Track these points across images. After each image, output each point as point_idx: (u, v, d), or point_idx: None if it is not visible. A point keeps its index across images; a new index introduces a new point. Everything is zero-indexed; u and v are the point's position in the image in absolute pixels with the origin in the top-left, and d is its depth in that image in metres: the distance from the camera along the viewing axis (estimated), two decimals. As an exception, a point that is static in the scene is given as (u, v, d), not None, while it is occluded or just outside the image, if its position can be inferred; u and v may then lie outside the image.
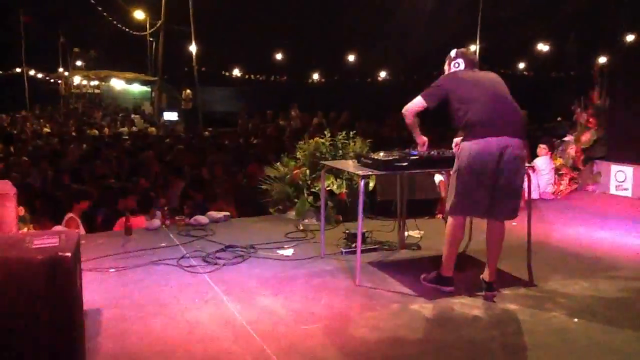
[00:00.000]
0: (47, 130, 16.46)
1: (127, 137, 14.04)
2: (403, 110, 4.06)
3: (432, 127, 6.79)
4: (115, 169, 8.87)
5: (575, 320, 3.56)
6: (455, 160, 3.91)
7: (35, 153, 10.31)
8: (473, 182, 3.76)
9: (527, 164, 4.18)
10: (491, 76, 4.02)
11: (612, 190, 7.74)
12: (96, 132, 16.35)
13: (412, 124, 4.13)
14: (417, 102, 3.98)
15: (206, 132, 16.45)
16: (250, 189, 7.12)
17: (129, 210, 5.85)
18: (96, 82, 28.44)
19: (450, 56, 4.12)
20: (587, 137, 8.14)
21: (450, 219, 3.96)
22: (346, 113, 18.66)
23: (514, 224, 5.38)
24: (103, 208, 6.49)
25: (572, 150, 8.04)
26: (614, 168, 7.75)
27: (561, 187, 7.58)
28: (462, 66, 4.05)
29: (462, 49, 4.15)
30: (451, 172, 3.95)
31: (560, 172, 7.77)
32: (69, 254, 2.72)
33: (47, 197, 6.25)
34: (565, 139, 8.37)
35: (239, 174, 8.22)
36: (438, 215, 6.27)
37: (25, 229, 4.73)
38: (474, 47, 14.01)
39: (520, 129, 3.86)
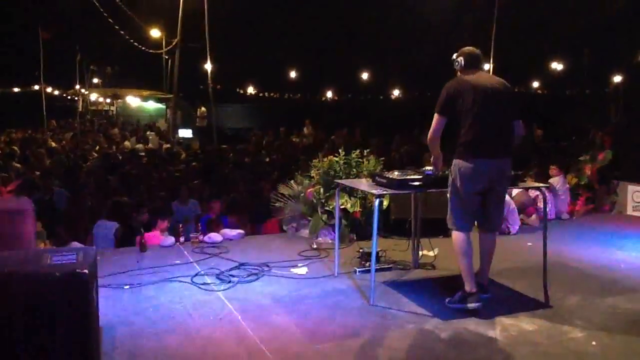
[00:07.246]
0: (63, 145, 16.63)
1: (143, 154, 14.13)
2: (429, 137, 4.07)
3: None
4: (129, 183, 8.89)
5: (594, 343, 3.51)
6: (450, 177, 4.06)
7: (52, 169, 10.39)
8: (467, 199, 3.99)
9: (543, 185, 4.19)
10: (493, 82, 3.99)
11: (629, 211, 7.65)
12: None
13: (437, 148, 4.14)
14: (435, 121, 4.01)
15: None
16: (263, 207, 7.13)
17: (143, 226, 5.88)
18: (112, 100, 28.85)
19: (453, 58, 4.14)
20: (602, 157, 8.09)
21: (454, 234, 4.09)
22: (358, 130, 18.69)
23: (529, 244, 5.36)
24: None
25: (587, 170, 7.99)
26: (631, 188, 7.66)
27: (577, 207, 7.51)
28: (462, 63, 4.04)
29: (463, 48, 4.12)
30: (447, 190, 4.11)
31: (576, 192, 7.71)
32: (86, 271, 2.76)
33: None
34: (581, 158, 8.32)
35: (253, 191, 8.23)
36: None
37: (42, 245, 4.78)
38: (487, 66, 14.05)
39: (510, 147, 4.02)
